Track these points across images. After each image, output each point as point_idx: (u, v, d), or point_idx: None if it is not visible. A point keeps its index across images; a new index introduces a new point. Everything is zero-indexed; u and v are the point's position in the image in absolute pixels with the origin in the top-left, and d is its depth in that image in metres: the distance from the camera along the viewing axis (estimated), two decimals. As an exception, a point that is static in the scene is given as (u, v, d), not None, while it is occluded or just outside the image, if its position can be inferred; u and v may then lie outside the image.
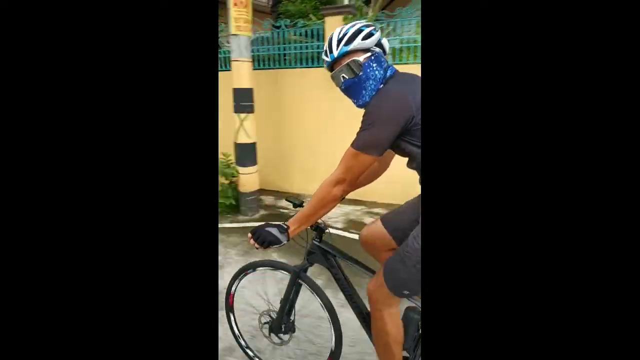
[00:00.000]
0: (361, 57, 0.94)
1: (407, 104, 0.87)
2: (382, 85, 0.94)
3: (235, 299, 1.39)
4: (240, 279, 1.35)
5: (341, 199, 0.96)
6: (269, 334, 1.34)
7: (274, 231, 0.95)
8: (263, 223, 0.99)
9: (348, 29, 0.96)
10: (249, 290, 1.44)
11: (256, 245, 0.95)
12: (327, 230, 1.21)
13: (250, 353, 1.43)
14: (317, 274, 1.98)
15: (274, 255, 2.36)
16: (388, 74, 0.96)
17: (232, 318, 1.42)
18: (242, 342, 1.44)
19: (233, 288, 1.37)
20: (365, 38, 0.94)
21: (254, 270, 1.31)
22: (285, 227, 0.96)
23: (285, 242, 0.96)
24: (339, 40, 0.95)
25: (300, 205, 1.17)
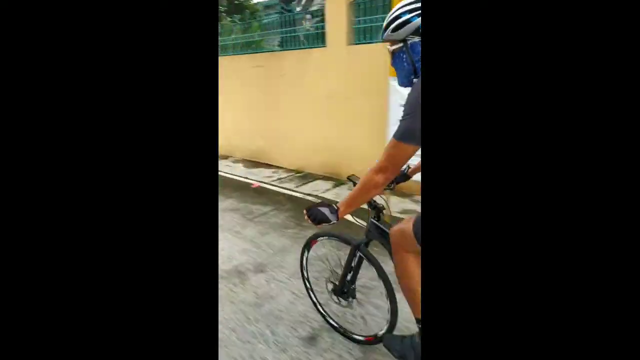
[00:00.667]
0: (392, 47, 0.96)
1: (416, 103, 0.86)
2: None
3: (308, 265, 1.61)
4: (310, 247, 1.56)
5: (384, 186, 1.03)
6: (334, 296, 1.53)
7: (326, 211, 1.09)
8: (318, 202, 1.14)
9: (389, 16, 0.97)
10: (319, 257, 1.63)
11: (309, 221, 1.11)
12: (384, 211, 1.29)
13: (324, 312, 1.65)
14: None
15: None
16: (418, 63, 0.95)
17: (307, 284, 1.66)
18: (317, 302, 1.67)
19: (305, 254, 1.59)
20: (396, 29, 0.94)
21: (324, 238, 1.49)
22: (336, 208, 1.09)
23: (335, 221, 1.09)
24: (383, 27, 0.98)
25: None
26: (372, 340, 1.46)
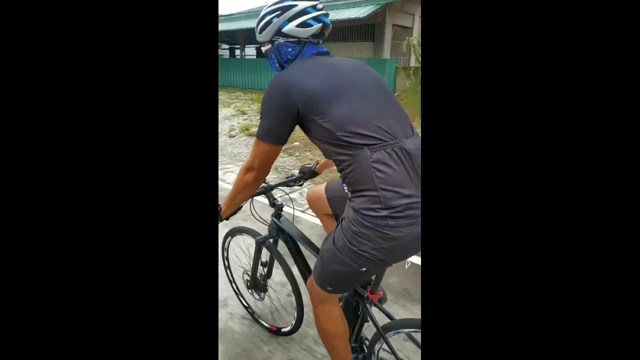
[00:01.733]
0: (264, 49, 0.92)
1: (284, 93, 0.84)
2: None
3: (229, 256, 1.63)
4: (230, 240, 1.57)
5: (257, 184, 1.01)
6: (248, 289, 1.55)
7: None
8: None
9: (258, 17, 0.94)
10: (238, 250, 1.65)
11: None
12: (283, 209, 1.29)
13: (245, 303, 1.68)
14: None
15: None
16: (296, 59, 0.92)
17: (229, 273, 1.68)
18: (239, 293, 1.70)
19: (226, 245, 1.60)
20: (261, 30, 0.92)
21: (238, 233, 1.50)
22: (219, 209, 1.08)
23: (219, 221, 1.08)
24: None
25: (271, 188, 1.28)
26: (275, 331, 1.51)
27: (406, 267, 1.12)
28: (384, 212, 0.80)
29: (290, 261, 1.32)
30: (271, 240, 1.37)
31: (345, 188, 0.89)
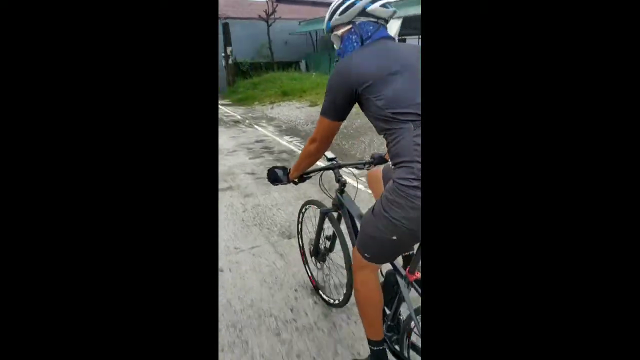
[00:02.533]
0: (340, 31, 1.06)
1: (345, 76, 0.97)
2: None
3: (302, 228, 1.84)
4: (304, 211, 1.78)
5: (319, 153, 1.17)
6: (311, 257, 1.73)
7: (280, 173, 1.31)
8: (278, 165, 1.35)
9: (333, 4, 1.08)
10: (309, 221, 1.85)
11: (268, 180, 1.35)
12: (346, 183, 1.42)
13: (308, 273, 1.87)
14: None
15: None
16: (367, 43, 1.03)
17: (300, 241, 1.89)
18: (305, 261, 1.90)
19: (301, 216, 1.81)
20: (342, 12, 1.04)
21: (310, 205, 1.69)
22: (288, 171, 1.29)
23: (285, 182, 1.30)
24: (328, 15, 1.10)
25: (331, 159, 1.44)
26: (332, 303, 1.63)
27: None
28: (416, 183, 0.87)
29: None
30: (335, 213, 1.51)
31: (390, 163, 0.97)
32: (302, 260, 1.90)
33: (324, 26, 1.13)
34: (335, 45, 1.12)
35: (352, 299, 1.28)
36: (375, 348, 1.17)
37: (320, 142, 1.12)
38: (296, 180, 1.35)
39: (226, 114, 8.37)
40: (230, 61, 12.29)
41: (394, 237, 0.96)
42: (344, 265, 1.47)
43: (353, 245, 1.38)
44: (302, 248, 1.89)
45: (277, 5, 12.51)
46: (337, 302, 1.60)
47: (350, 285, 1.46)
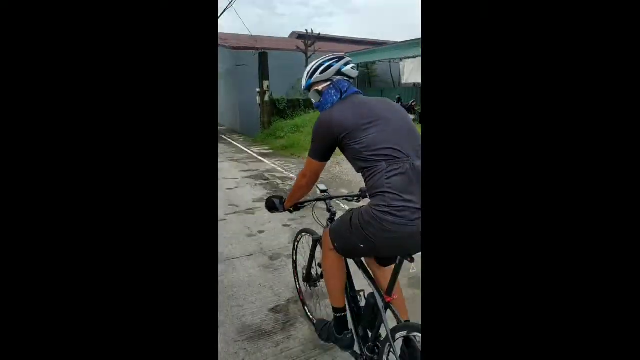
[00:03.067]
0: (320, 87, 1.27)
1: (327, 127, 1.17)
2: None
3: (297, 255, 1.97)
4: (299, 239, 1.92)
5: (308, 187, 1.35)
6: (303, 281, 1.85)
7: (277, 202, 1.48)
8: (275, 195, 1.53)
9: (312, 64, 1.30)
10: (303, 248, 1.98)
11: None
12: (336, 214, 1.58)
13: (301, 296, 1.98)
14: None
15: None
16: (343, 97, 1.23)
17: (295, 267, 2.02)
18: (298, 284, 2.01)
19: (296, 243, 1.95)
20: (323, 71, 1.25)
21: (304, 233, 1.84)
22: (283, 200, 1.46)
23: (282, 210, 1.47)
24: (307, 74, 1.31)
25: (323, 191, 1.61)
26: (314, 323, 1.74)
27: (412, 270, 1.24)
28: (386, 209, 1.04)
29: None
30: None
31: (367, 192, 1.15)
32: (296, 286, 2.02)
33: (303, 84, 1.34)
34: (313, 100, 1.33)
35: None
36: (337, 314, 1.41)
37: (309, 178, 1.30)
38: (291, 209, 1.52)
39: (277, 174, 5.60)
40: (266, 98, 9.75)
41: (361, 245, 1.17)
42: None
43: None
44: (296, 274, 2.02)
45: (314, 42, 11.14)
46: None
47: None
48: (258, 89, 9.83)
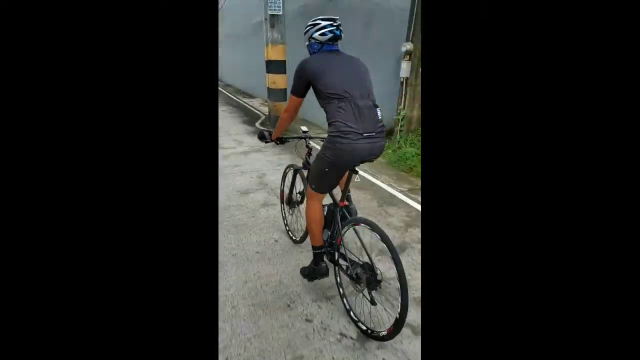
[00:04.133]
0: (306, 44, 1.71)
1: (302, 70, 1.58)
2: None
3: (284, 186, 2.48)
4: (287, 171, 2.40)
5: (290, 119, 1.79)
6: (284, 204, 2.36)
7: (266, 134, 1.95)
8: (265, 129, 1.99)
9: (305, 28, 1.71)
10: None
11: (257, 139, 1.99)
12: (312, 149, 2.05)
13: (285, 220, 2.50)
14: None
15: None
16: (317, 52, 1.66)
17: (281, 194, 2.52)
18: (283, 210, 2.54)
19: (283, 177, 2.43)
20: (304, 34, 1.69)
21: (289, 168, 2.32)
22: (271, 133, 1.93)
23: (269, 141, 1.93)
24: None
25: (305, 132, 2.07)
26: (294, 240, 2.28)
27: (356, 180, 1.74)
28: (337, 133, 1.49)
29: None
30: (304, 171, 2.14)
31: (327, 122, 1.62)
32: (281, 207, 2.53)
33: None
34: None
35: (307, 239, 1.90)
36: (316, 251, 1.82)
37: (290, 112, 1.75)
38: (277, 141, 1.98)
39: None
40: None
41: (326, 169, 1.58)
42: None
43: None
44: (282, 198, 2.52)
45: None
46: (297, 239, 2.24)
47: (306, 230, 2.07)
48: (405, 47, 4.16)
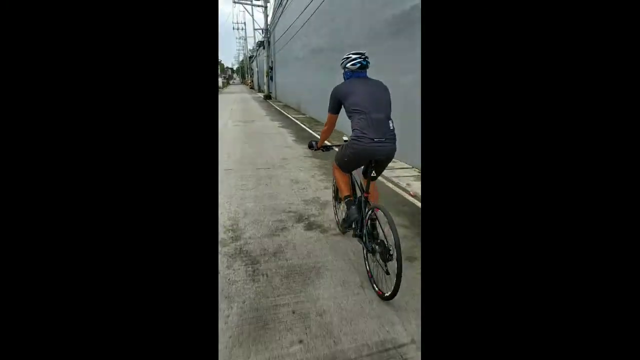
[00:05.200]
0: (342, 72, 2.29)
1: (334, 93, 2.17)
2: None
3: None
4: None
5: (329, 132, 2.40)
6: (335, 200, 2.94)
7: (313, 143, 2.60)
8: (312, 140, 2.62)
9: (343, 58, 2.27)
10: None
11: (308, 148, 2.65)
12: None
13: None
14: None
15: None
16: (348, 80, 2.21)
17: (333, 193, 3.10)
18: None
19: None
20: (341, 64, 2.26)
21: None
22: (316, 142, 2.56)
23: (316, 149, 2.57)
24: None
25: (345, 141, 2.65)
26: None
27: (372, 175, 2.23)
28: (354, 138, 2.05)
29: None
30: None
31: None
32: (333, 204, 3.10)
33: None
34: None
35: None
36: (346, 199, 2.39)
37: (328, 126, 2.37)
38: (322, 148, 2.60)
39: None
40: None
41: (345, 159, 2.20)
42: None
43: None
44: (334, 195, 3.09)
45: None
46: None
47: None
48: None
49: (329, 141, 2.73)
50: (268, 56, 22.25)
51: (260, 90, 31.87)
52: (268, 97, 22.17)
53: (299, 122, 10.19)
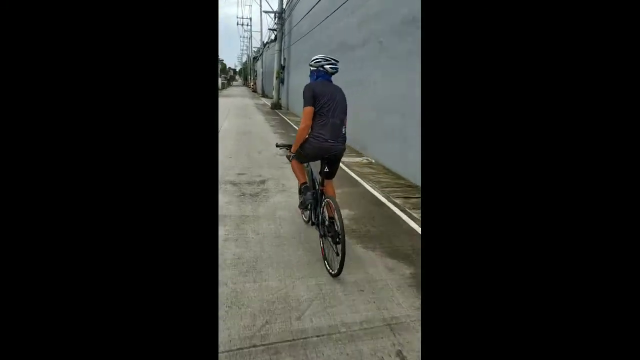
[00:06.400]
0: (310, 69, 2.57)
1: (310, 90, 2.36)
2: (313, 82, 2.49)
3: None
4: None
5: (306, 130, 2.43)
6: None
7: (287, 148, 2.96)
8: (287, 144, 2.97)
9: (316, 57, 2.52)
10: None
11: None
12: None
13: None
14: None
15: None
16: (319, 79, 2.48)
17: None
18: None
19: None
20: (315, 64, 2.51)
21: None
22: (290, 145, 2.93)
23: (290, 154, 2.92)
24: (311, 61, 2.56)
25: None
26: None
27: (325, 170, 2.57)
28: (312, 136, 2.42)
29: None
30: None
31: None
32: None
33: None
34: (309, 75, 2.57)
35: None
36: (301, 186, 2.71)
37: (305, 123, 2.40)
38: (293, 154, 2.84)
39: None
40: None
41: (301, 152, 2.52)
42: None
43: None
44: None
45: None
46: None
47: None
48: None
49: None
50: (280, 51, 16.65)
51: (265, 95, 27.35)
52: (277, 105, 16.72)
53: (366, 184, 4.45)
